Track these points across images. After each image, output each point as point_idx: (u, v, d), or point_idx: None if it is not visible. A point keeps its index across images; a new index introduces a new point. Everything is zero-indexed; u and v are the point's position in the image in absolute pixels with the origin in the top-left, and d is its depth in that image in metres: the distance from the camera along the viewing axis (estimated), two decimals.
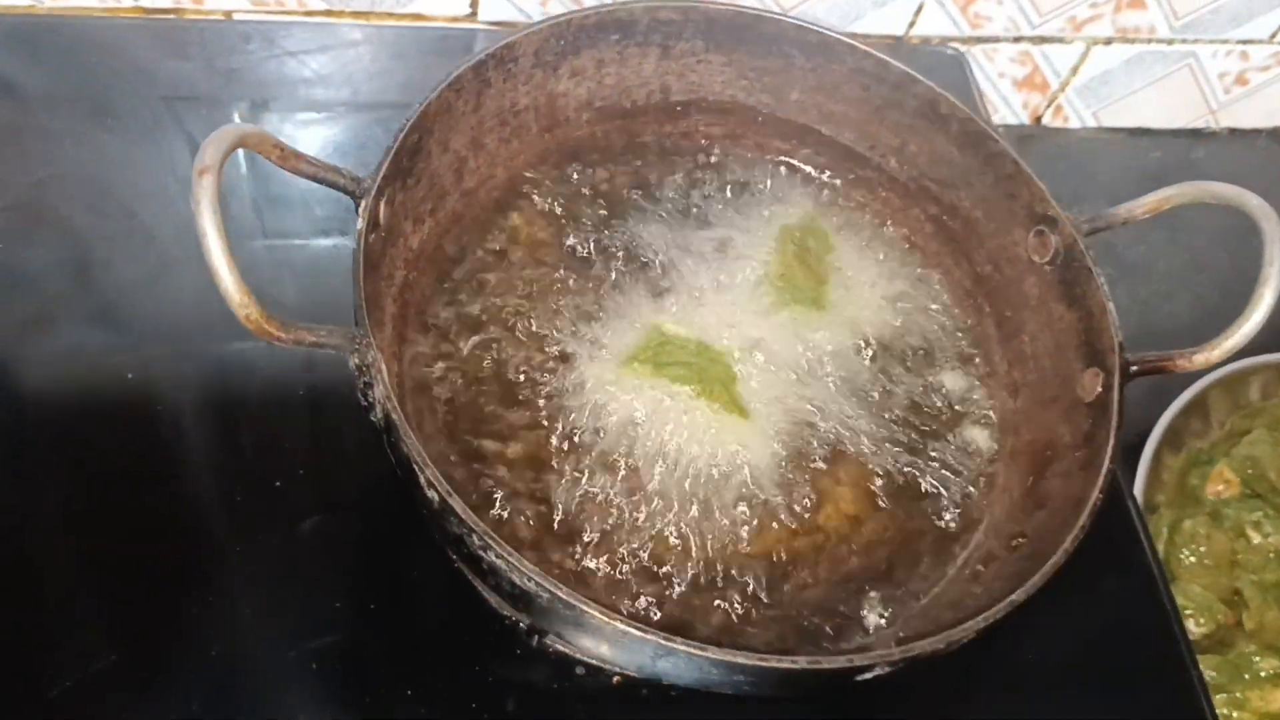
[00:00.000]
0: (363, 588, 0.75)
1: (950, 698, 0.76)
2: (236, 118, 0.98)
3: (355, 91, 1.02)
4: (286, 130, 0.98)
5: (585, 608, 0.58)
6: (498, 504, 0.72)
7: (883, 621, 0.73)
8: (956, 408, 0.84)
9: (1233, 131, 1.40)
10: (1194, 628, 0.97)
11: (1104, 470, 0.68)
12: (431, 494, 0.60)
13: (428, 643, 0.73)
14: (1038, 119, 1.34)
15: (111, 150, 0.93)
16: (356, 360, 0.63)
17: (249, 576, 0.74)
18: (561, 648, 0.70)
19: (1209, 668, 0.95)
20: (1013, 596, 0.62)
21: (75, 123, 0.94)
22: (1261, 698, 0.96)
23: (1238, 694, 0.96)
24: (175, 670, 0.69)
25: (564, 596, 0.58)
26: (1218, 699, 0.94)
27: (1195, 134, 1.39)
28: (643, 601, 0.71)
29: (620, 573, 0.71)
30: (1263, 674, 0.96)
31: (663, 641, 0.57)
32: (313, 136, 0.98)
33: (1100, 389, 0.74)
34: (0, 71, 0.96)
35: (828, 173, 0.95)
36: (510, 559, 0.58)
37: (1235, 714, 0.95)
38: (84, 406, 0.80)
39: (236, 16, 1.03)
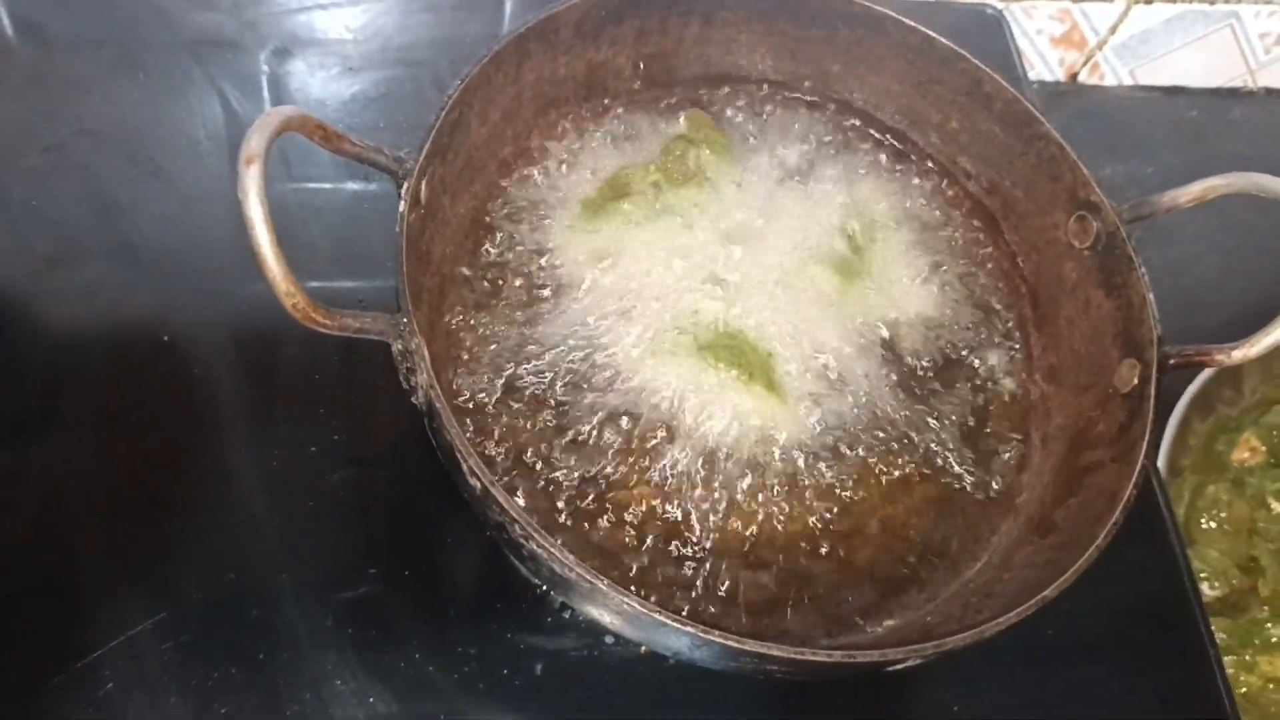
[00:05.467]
0: (398, 553, 0.75)
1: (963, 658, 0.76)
2: (264, 67, 0.97)
3: (385, 44, 1.01)
4: (315, 83, 0.97)
5: (625, 599, 0.58)
6: (531, 477, 0.73)
7: (911, 606, 0.73)
8: (990, 389, 0.83)
9: (1270, 91, 1.38)
10: (1208, 590, 0.98)
11: (1138, 466, 0.68)
12: (474, 482, 0.61)
13: (461, 609, 0.74)
14: (1073, 76, 1.32)
15: (138, 96, 0.93)
16: (400, 346, 0.63)
17: (284, 539, 0.75)
18: (593, 616, 0.70)
19: (1220, 630, 0.96)
20: (1045, 593, 0.63)
21: (101, 68, 0.94)
22: (1270, 662, 0.96)
23: (1247, 657, 0.97)
24: (214, 633, 0.71)
25: (604, 588, 0.59)
26: (1227, 660, 0.93)
27: (1232, 93, 1.37)
28: (673, 579, 0.71)
29: (650, 550, 0.72)
30: (1274, 639, 0.97)
31: (699, 634, 0.58)
32: (342, 89, 0.97)
33: (1137, 381, 0.74)
34: (27, 17, 0.96)
35: (867, 146, 0.93)
36: (552, 549, 0.59)
37: (1244, 676, 0.96)
38: (109, 349, 0.81)
39: None
